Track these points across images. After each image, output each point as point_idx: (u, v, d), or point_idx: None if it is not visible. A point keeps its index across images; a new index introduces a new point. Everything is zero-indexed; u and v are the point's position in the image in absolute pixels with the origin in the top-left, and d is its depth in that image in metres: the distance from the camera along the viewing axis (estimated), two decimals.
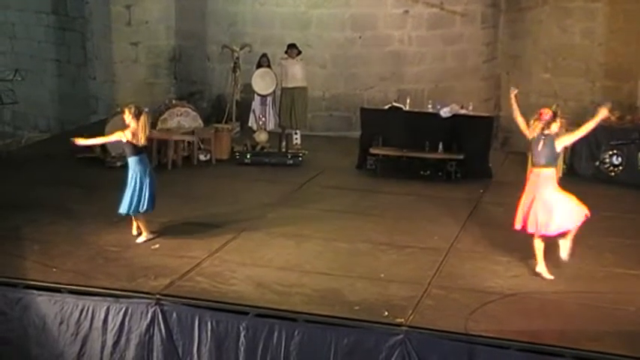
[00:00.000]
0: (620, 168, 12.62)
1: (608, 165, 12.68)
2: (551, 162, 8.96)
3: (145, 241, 9.93)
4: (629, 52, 15.39)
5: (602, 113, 8.98)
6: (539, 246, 9.04)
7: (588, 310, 8.37)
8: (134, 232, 10.07)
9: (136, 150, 9.80)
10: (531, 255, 9.15)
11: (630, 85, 15.18)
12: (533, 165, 9.06)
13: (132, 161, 9.83)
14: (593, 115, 9.11)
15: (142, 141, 9.79)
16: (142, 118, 9.75)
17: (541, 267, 9.07)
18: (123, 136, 9.79)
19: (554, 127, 8.91)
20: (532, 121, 8.99)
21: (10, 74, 15.96)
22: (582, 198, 9.09)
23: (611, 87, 15.85)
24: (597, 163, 12.73)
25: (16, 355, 8.77)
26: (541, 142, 8.90)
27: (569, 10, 16.10)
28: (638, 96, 14.56)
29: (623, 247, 9.98)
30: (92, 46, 17.04)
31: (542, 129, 8.89)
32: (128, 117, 9.78)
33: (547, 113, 8.93)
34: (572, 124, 12.83)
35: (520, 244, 9.25)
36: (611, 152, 12.63)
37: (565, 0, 16.03)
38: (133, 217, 9.99)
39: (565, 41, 16.22)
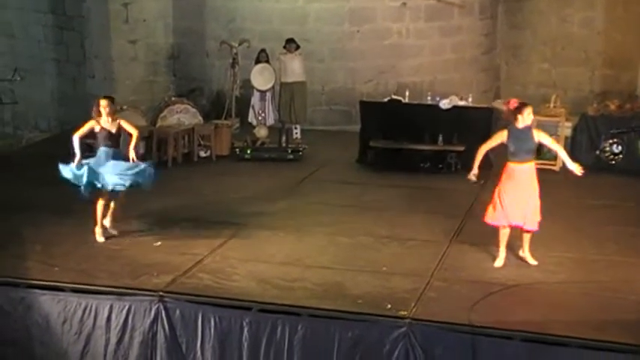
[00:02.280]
0: (621, 156, 12.62)
1: (608, 154, 12.67)
2: None
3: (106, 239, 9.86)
4: (628, 41, 15.36)
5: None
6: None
7: (591, 299, 8.38)
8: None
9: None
10: (531, 246, 9.18)
11: (630, 74, 15.15)
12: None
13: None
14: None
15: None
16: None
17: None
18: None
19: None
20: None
21: (10, 74, 15.93)
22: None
23: (610, 76, 15.85)
24: (597, 152, 12.73)
25: (20, 355, 8.77)
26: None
27: (568, 0, 16.09)
28: (638, 84, 14.53)
29: (625, 236, 9.97)
30: (91, 45, 17.01)
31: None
32: (112, 110, 9.78)
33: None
34: (572, 114, 12.99)
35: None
36: (611, 141, 12.64)
37: None
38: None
39: (564, 31, 16.20)
